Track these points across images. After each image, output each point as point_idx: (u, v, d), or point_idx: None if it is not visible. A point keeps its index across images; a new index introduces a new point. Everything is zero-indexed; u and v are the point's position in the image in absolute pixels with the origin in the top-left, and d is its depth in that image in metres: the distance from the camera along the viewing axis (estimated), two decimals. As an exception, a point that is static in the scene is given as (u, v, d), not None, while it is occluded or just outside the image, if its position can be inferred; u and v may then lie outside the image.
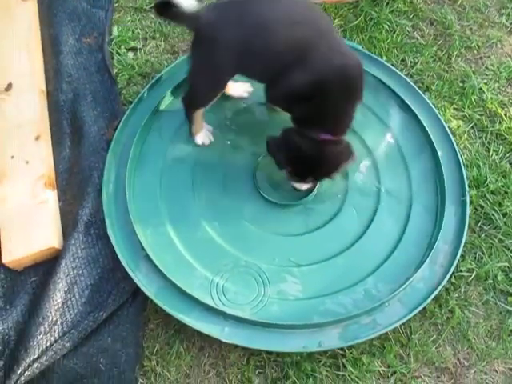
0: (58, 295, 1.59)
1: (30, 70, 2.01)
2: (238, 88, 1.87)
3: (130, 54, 2.10)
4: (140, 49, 2.10)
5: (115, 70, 2.04)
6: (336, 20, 2.17)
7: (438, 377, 1.55)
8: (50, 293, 1.58)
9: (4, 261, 1.65)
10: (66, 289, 1.60)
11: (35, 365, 1.49)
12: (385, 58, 2.04)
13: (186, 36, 2.12)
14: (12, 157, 1.81)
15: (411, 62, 2.06)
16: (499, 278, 1.66)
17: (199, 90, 1.67)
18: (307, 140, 1.56)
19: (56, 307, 1.57)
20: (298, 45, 1.48)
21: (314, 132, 1.55)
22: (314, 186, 1.72)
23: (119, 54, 2.08)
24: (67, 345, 1.53)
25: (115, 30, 2.15)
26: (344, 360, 1.53)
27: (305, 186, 1.69)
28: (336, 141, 1.57)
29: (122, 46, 2.10)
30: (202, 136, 1.81)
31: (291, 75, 1.51)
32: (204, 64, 1.57)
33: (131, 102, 1.92)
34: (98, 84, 2.01)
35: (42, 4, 2.21)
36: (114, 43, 2.11)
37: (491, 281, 1.66)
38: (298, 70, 1.50)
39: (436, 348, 1.57)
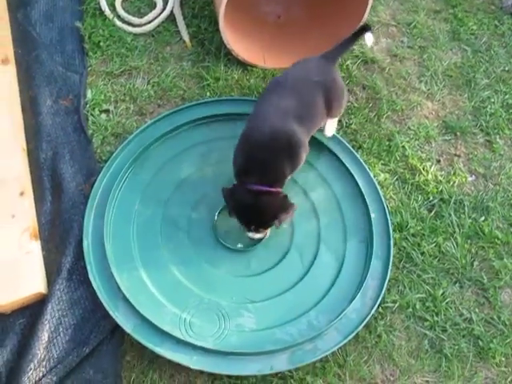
0: (45, 335, 1.78)
1: (13, 129, 2.17)
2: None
3: (103, 116, 2.31)
4: (112, 111, 2.32)
5: (90, 131, 2.24)
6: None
7: (369, 391, 1.84)
8: (38, 333, 1.78)
9: (-5, 306, 1.82)
10: (52, 329, 1.80)
11: (26, 397, 1.68)
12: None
13: (152, 99, 2.39)
14: (-2, 211, 1.99)
15: (346, 122, 2.35)
16: (417, 306, 1.96)
17: None
18: (246, 191, 1.83)
19: (44, 345, 1.77)
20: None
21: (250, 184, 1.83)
22: (265, 236, 1.98)
23: (93, 116, 2.29)
24: (54, 378, 1.73)
25: (89, 93, 2.35)
26: (292, 380, 1.79)
27: (257, 236, 1.94)
28: (272, 192, 1.84)
29: (96, 109, 2.31)
30: None
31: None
32: None
33: (106, 161, 2.15)
34: (75, 143, 2.21)
35: (20, 66, 2.38)
36: (89, 105, 2.32)
37: (411, 309, 1.95)
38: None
39: (367, 367, 1.85)
